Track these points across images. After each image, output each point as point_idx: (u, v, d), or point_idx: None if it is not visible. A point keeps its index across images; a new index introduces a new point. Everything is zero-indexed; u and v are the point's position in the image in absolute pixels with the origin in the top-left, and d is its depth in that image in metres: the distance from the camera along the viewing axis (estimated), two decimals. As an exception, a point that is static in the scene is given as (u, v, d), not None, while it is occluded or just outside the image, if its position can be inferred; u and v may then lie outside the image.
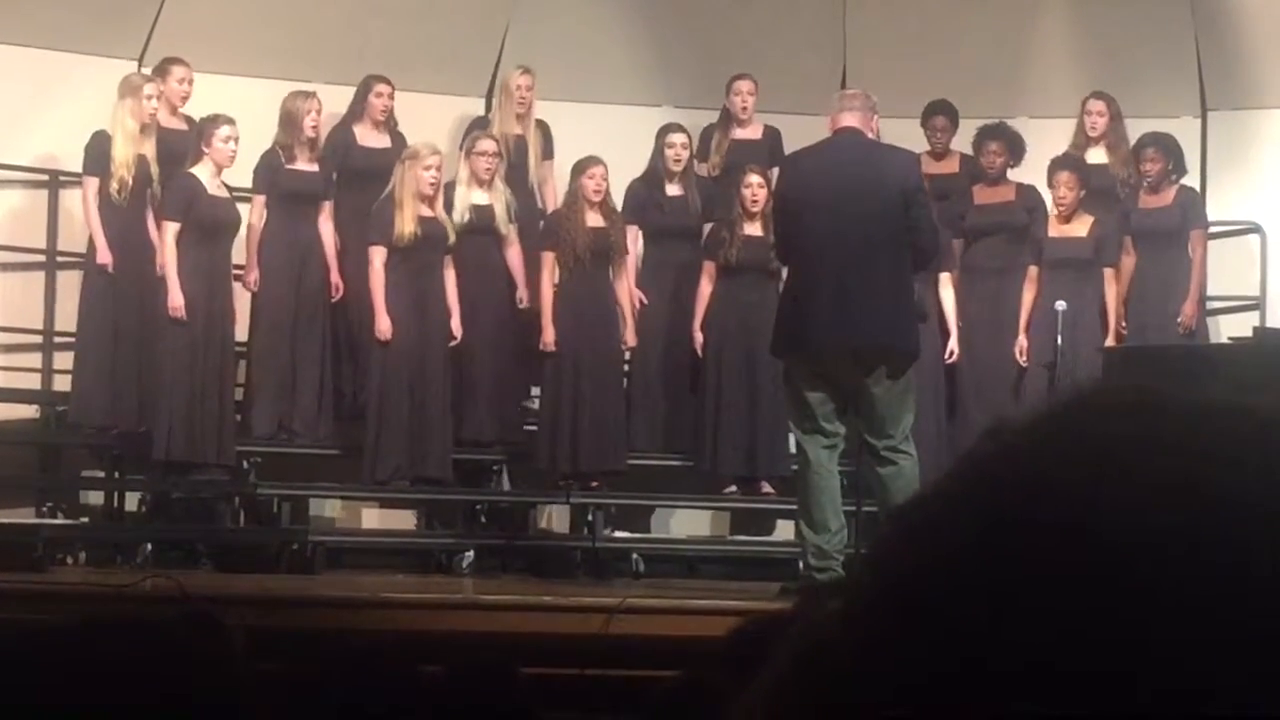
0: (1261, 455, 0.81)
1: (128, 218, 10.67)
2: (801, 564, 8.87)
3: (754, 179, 10.99)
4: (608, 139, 11.44)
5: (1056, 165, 11.25)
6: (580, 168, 11.04)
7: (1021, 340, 11.21)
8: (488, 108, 11.93)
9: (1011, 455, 0.83)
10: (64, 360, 11.07)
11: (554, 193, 11.54)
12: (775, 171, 10.46)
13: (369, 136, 11.38)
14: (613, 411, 11.07)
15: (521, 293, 11.13)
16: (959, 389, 11.36)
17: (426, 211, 10.81)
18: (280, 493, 10.86)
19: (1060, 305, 10.44)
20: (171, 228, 10.54)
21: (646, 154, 11.55)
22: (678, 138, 11.47)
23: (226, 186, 10.74)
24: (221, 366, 10.70)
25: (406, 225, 10.72)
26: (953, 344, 11.19)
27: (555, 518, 11.61)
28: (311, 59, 11.68)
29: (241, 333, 10.96)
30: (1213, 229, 11.63)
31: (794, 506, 9.16)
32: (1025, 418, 0.85)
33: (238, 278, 10.91)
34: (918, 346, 8.75)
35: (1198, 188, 11.80)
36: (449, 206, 10.97)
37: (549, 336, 10.98)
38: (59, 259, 11.35)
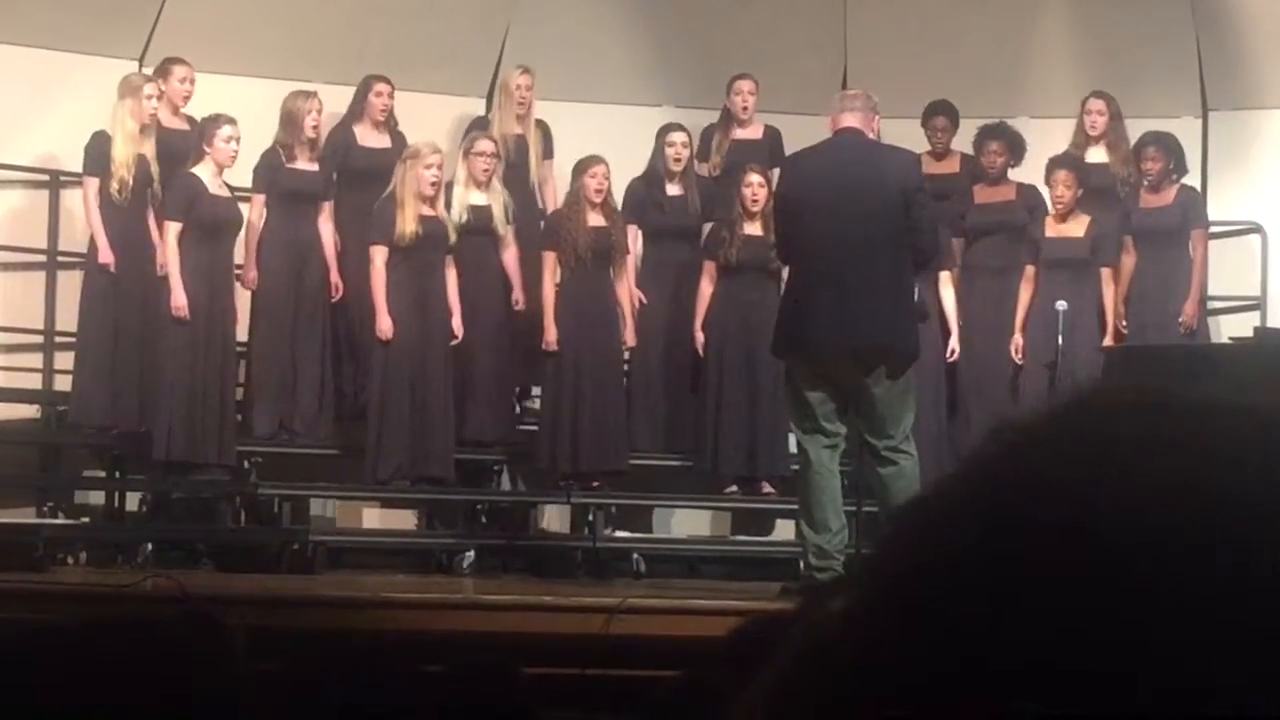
0: (1262, 455, 0.81)
1: (128, 218, 10.67)
2: (802, 564, 8.87)
3: (754, 178, 10.99)
4: (608, 139, 11.44)
5: (1054, 164, 11.25)
6: (582, 167, 11.04)
7: (1018, 339, 11.21)
8: (488, 107, 11.92)
9: (1014, 455, 0.83)
10: (64, 360, 11.07)
11: (554, 193, 11.54)
12: (776, 171, 10.46)
13: (369, 136, 11.39)
14: (613, 411, 11.07)
15: (517, 294, 11.13)
16: (959, 388, 11.37)
17: (427, 211, 10.81)
18: (281, 493, 10.86)
19: (1061, 305, 10.44)
20: (173, 227, 10.54)
21: (647, 154, 11.55)
22: (678, 136, 11.47)
23: (228, 186, 10.74)
24: (223, 366, 10.70)
25: (408, 224, 10.72)
26: (953, 343, 11.19)
27: (556, 518, 11.61)
28: (312, 59, 11.68)
29: (241, 332, 10.96)
30: (1214, 229, 11.63)
31: (794, 506, 9.16)
32: (1028, 417, 0.85)
33: (239, 277, 10.91)
34: (918, 346, 8.76)
35: (1199, 188, 11.80)
36: (448, 206, 10.97)
37: (551, 336, 10.98)
38: (59, 259, 11.35)
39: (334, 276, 11.07)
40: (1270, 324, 11.30)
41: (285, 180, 10.95)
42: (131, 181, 10.60)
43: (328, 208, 11.10)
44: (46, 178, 11.40)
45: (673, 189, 11.49)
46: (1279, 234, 11.97)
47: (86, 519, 11.09)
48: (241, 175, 10.89)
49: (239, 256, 10.92)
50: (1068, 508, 0.79)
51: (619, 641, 7.31)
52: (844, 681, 0.80)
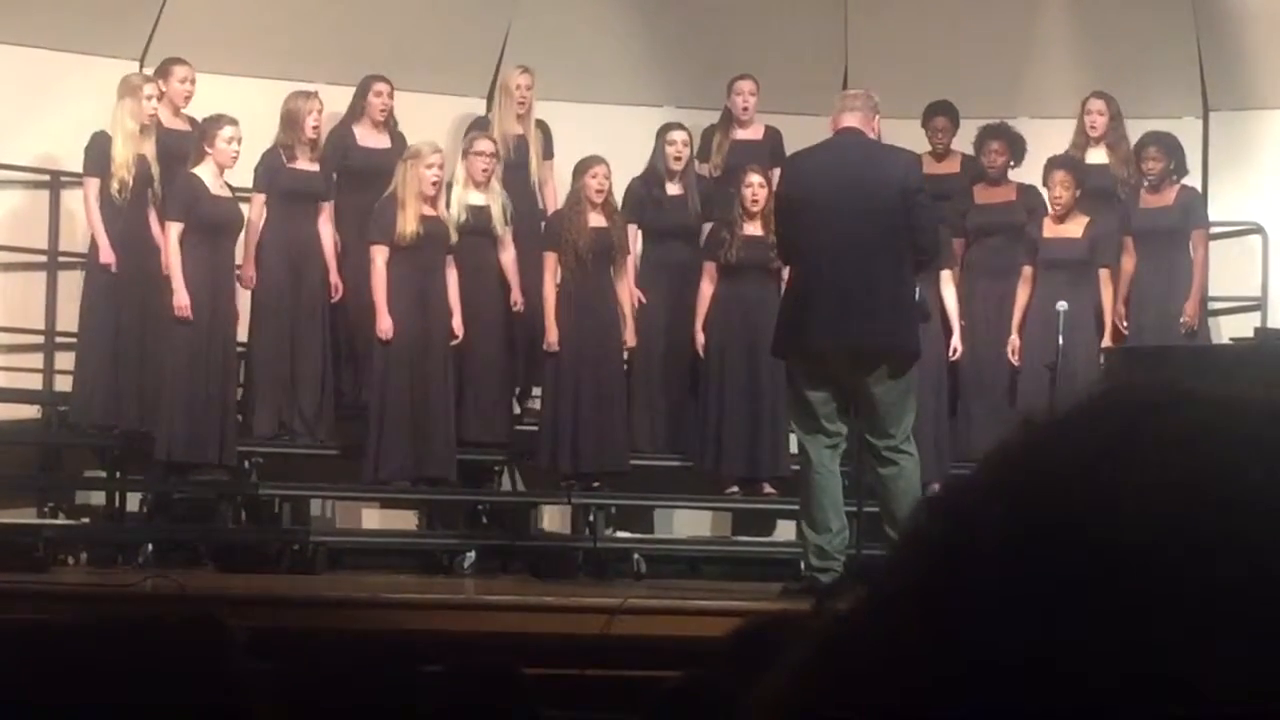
0: None
1: (129, 218, 10.67)
2: (803, 564, 8.86)
3: (755, 178, 10.99)
4: (609, 139, 11.44)
5: (1052, 165, 11.25)
6: (583, 168, 11.04)
7: (1014, 340, 11.21)
8: (488, 108, 11.92)
9: (1040, 451, 0.82)
10: (65, 360, 11.07)
11: (554, 193, 11.54)
12: (776, 172, 10.46)
13: (369, 136, 11.39)
14: (614, 412, 11.07)
15: (515, 295, 11.13)
16: (961, 388, 11.37)
17: (429, 211, 10.81)
18: (281, 493, 10.86)
19: (1062, 305, 10.44)
20: (175, 228, 10.55)
21: (647, 154, 11.55)
22: (678, 135, 11.47)
23: (229, 187, 10.75)
24: (224, 366, 10.70)
25: (409, 225, 10.72)
26: (955, 341, 11.18)
27: (556, 518, 11.61)
28: (312, 59, 11.68)
29: (241, 333, 10.96)
30: (1214, 229, 11.63)
31: (795, 507, 9.15)
32: (1053, 413, 0.84)
33: (239, 277, 10.91)
34: (918, 346, 8.75)
35: (1199, 188, 11.80)
36: (448, 206, 10.97)
37: (552, 336, 10.98)
38: (60, 259, 11.35)
39: (333, 277, 11.07)
40: (1271, 325, 11.30)
41: (286, 180, 10.96)
42: (132, 182, 10.60)
43: (328, 208, 11.10)
44: (47, 178, 11.40)
45: (673, 188, 11.49)
46: (1279, 235, 11.97)
47: (87, 519, 11.09)
48: (242, 175, 10.90)
49: (240, 257, 10.92)
50: (1093, 505, 0.79)
51: (619, 642, 7.31)
52: (864, 676, 0.80)
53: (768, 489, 11.14)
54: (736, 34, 12.37)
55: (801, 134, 10.41)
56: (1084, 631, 0.76)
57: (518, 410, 11.60)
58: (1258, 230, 11.95)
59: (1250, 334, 10.26)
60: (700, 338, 11.21)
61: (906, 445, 8.63)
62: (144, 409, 10.69)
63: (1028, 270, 11.23)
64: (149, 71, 11.11)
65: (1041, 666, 0.76)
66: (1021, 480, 0.82)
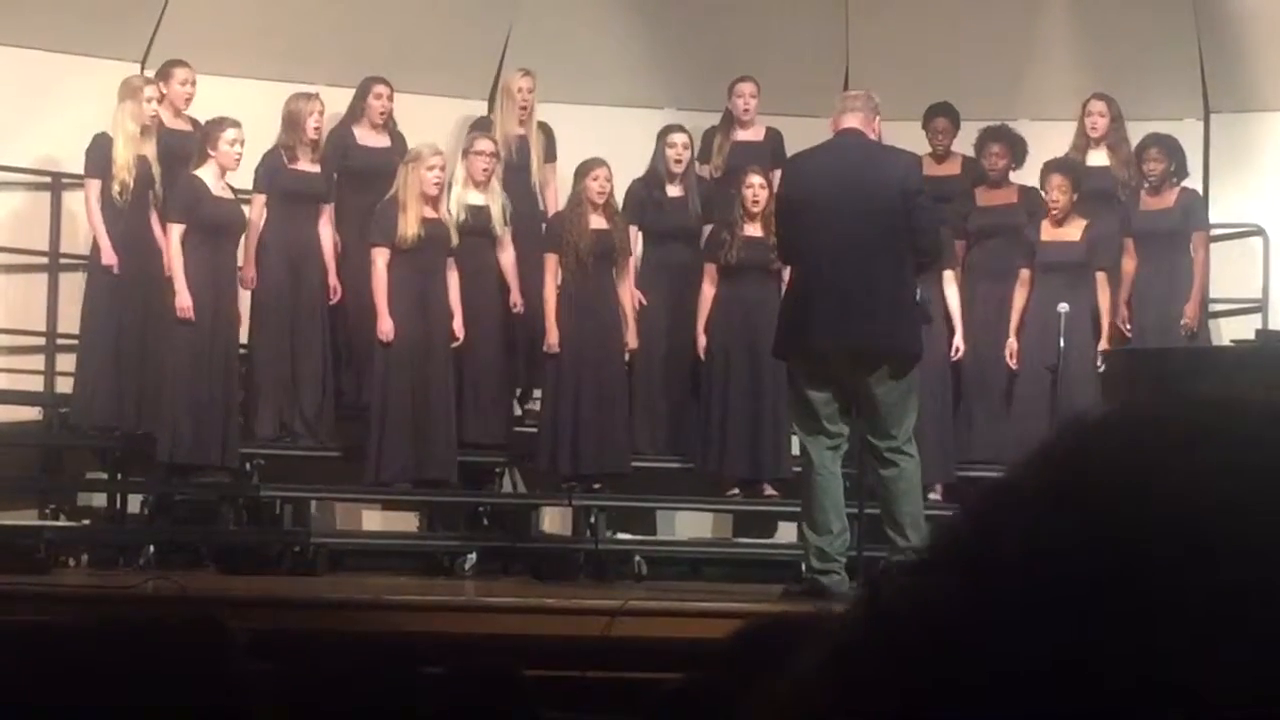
0: None
1: (130, 219, 10.68)
2: (804, 566, 8.86)
3: (755, 179, 10.99)
4: (609, 141, 11.44)
5: (1049, 168, 11.24)
6: (584, 170, 11.05)
7: (1012, 343, 11.20)
8: (490, 110, 11.92)
9: (1085, 455, 0.82)
10: (66, 362, 11.07)
11: (556, 195, 11.54)
12: (777, 173, 10.46)
13: (368, 136, 11.39)
14: (615, 413, 11.07)
15: (515, 297, 11.13)
16: (962, 389, 11.36)
17: (430, 213, 10.81)
18: (283, 495, 10.86)
19: (1063, 308, 10.44)
20: (177, 229, 10.55)
21: (648, 156, 11.55)
22: (679, 138, 11.48)
23: (231, 188, 10.75)
24: (226, 368, 10.71)
25: (410, 227, 10.72)
26: (958, 341, 11.18)
27: (557, 520, 11.61)
28: (313, 61, 11.68)
29: (242, 334, 10.96)
30: (1215, 231, 11.63)
31: (797, 509, 9.15)
32: (1102, 413, 0.84)
33: (240, 278, 10.92)
34: (919, 348, 8.75)
35: (1200, 190, 11.80)
36: (448, 206, 10.97)
37: (552, 338, 10.98)
38: (61, 261, 11.35)
39: (332, 280, 11.07)
40: (1272, 326, 11.29)
41: (286, 182, 10.96)
42: (133, 183, 10.60)
43: (328, 210, 11.10)
44: (48, 179, 11.40)
45: (673, 190, 11.49)
46: (1280, 236, 11.98)
47: (88, 521, 11.09)
48: (243, 177, 10.90)
49: (241, 258, 10.93)
50: (1096, 512, 0.79)
51: (620, 644, 7.31)
52: (883, 679, 0.80)
53: (768, 490, 11.14)
54: (737, 36, 12.37)
55: (802, 135, 10.41)
56: (1086, 638, 0.76)
57: (518, 412, 11.61)
58: (1258, 232, 11.95)
59: (1251, 336, 10.26)
60: (702, 339, 11.21)
61: (908, 447, 8.63)
62: (145, 411, 10.69)
63: (1025, 273, 11.23)
64: (150, 73, 11.12)
65: (1044, 672, 0.76)
66: (1042, 489, 0.82)
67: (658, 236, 11.54)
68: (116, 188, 10.59)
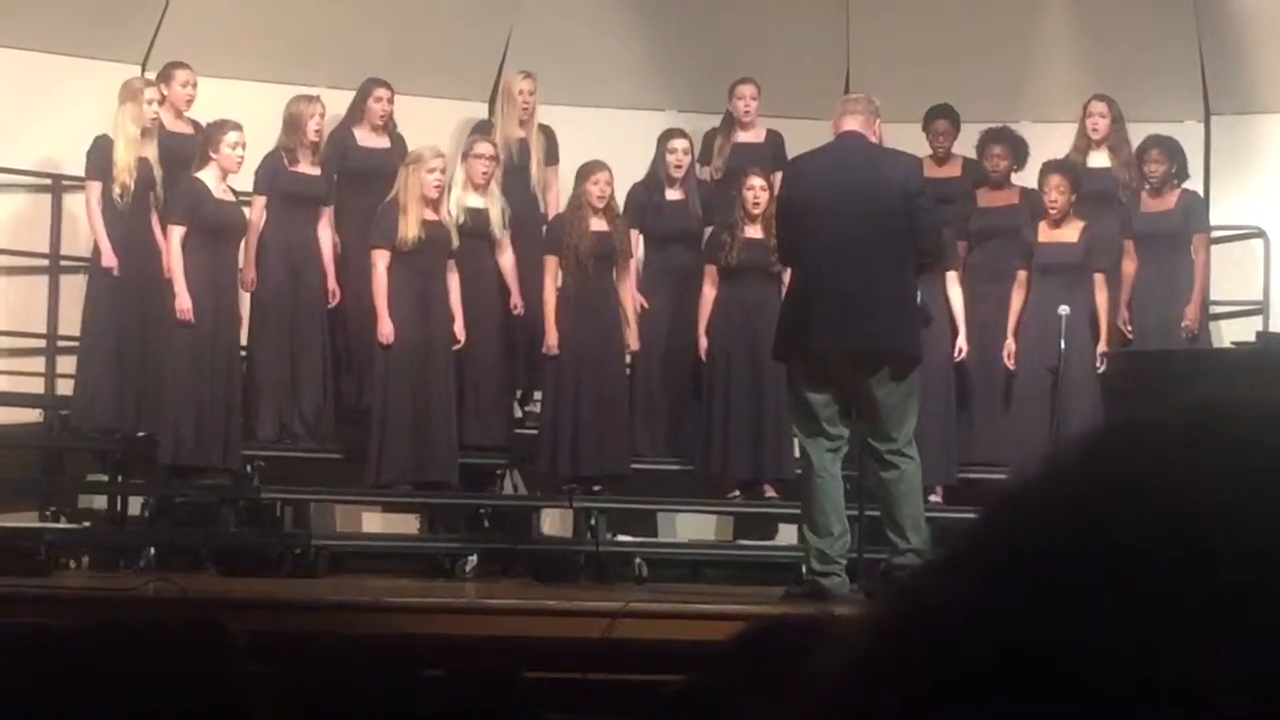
0: None
1: (130, 222, 10.68)
2: (805, 568, 8.86)
3: (755, 181, 11.00)
4: (610, 143, 11.44)
5: (1047, 169, 11.24)
6: (584, 173, 11.05)
7: (1010, 344, 11.20)
8: (490, 112, 11.92)
9: (1088, 458, 0.82)
10: (67, 364, 11.07)
11: (558, 197, 11.54)
12: (778, 175, 10.47)
13: (369, 137, 11.39)
14: (615, 415, 11.07)
15: (515, 299, 11.13)
16: (963, 390, 11.36)
17: (430, 215, 10.81)
18: (283, 497, 10.86)
19: (1064, 310, 10.43)
20: (177, 231, 10.56)
21: (649, 158, 11.55)
22: (679, 143, 11.48)
23: (232, 190, 10.76)
24: (228, 370, 10.71)
25: (410, 229, 10.73)
26: (961, 341, 11.17)
27: (558, 522, 11.61)
28: (313, 63, 11.68)
29: (242, 335, 10.96)
30: (1216, 233, 11.63)
31: (797, 511, 9.15)
32: (1153, 416, 0.84)
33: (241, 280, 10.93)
34: (920, 350, 8.75)
35: (1201, 192, 11.80)
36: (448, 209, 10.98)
37: (551, 340, 10.99)
38: (62, 263, 11.35)
39: (330, 283, 11.06)
40: (1273, 328, 11.29)
41: (286, 184, 10.96)
42: (133, 185, 10.61)
43: (328, 213, 11.10)
44: (49, 181, 11.40)
45: (674, 194, 11.49)
46: (1281, 238, 11.98)
47: (89, 523, 11.09)
48: (243, 179, 10.90)
49: (242, 260, 10.93)
50: (1142, 508, 0.79)
51: (621, 646, 7.31)
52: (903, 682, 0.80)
53: (769, 492, 11.14)
54: (738, 37, 12.37)
55: (803, 137, 10.42)
56: (1087, 638, 0.76)
57: (519, 414, 11.61)
58: (1259, 234, 11.95)
59: (1252, 338, 10.26)
60: (703, 341, 11.21)
61: (908, 449, 8.63)
62: (146, 413, 10.69)
63: (1022, 274, 11.22)
64: (151, 75, 11.12)
65: (1045, 673, 0.77)
66: (1047, 493, 0.82)
67: (659, 240, 11.54)
68: (117, 190, 10.59)
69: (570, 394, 10.99)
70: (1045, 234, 11.19)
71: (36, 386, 11.34)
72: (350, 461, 10.96)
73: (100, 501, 11.25)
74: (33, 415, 11.42)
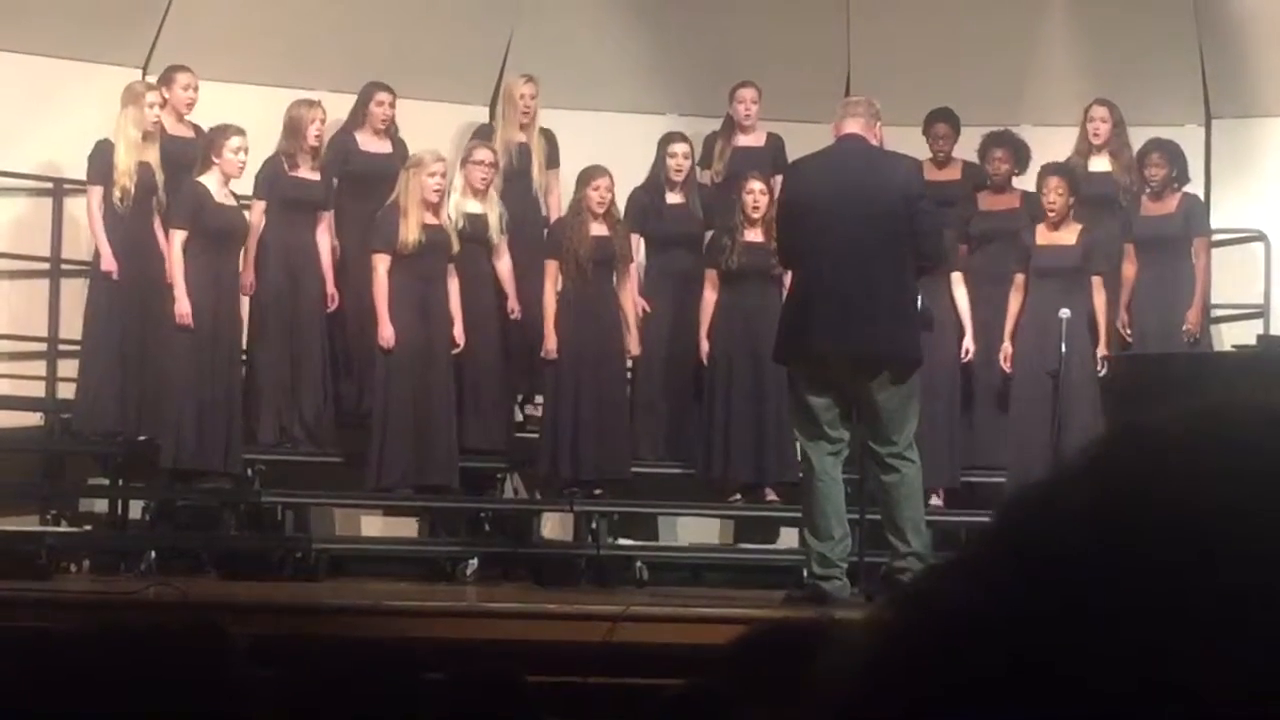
0: None
1: (132, 225, 10.68)
2: (805, 572, 8.86)
3: (756, 185, 11.01)
4: (611, 147, 11.45)
5: (1046, 172, 11.24)
6: (585, 178, 11.05)
7: (1007, 347, 11.19)
8: (491, 115, 11.93)
9: (1092, 463, 0.82)
10: (68, 368, 11.07)
11: (559, 201, 11.54)
12: (778, 179, 10.48)
13: (370, 142, 11.40)
14: (615, 419, 11.07)
15: (512, 304, 11.14)
16: (966, 393, 11.36)
17: (431, 219, 10.82)
18: (284, 500, 10.86)
19: (1065, 313, 10.44)
20: (178, 235, 10.56)
21: (650, 161, 11.56)
22: (679, 148, 11.48)
23: (234, 195, 10.76)
24: (229, 374, 10.72)
25: (411, 233, 10.73)
26: (968, 342, 11.16)
27: (559, 526, 11.61)
28: (315, 67, 11.68)
29: (243, 339, 10.97)
30: (1217, 237, 11.64)
31: (798, 514, 9.15)
32: (1154, 421, 0.84)
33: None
34: (919, 353, 8.75)
35: (1202, 196, 11.80)
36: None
37: (550, 344, 10.99)
38: (63, 266, 11.35)
39: (329, 287, 11.06)
40: (1274, 332, 11.30)
41: (286, 188, 10.97)
42: (135, 189, 10.61)
43: (327, 218, 11.11)
44: (50, 185, 11.41)
45: (674, 198, 11.50)
46: (1282, 242, 11.98)
47: (90, 527, 11.09)
48: (244, 183, 10.90)
49: (242, 264, 10.93)
50: (1143, 511, 0.79)
51: (622, 649, 7.31)
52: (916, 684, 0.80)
53: (770, 495, 11.15)
54: (739, 41, 12.37)
55: (803, 141, 10.42)
56: (1088, 639, 0.77)
57: (519, 417, 11.61)
58: (1260, 238, 11.95)
59: (1253, 341, 10.26)
60: (705, 345, 11.21)
61: (909, 452, 8.63)
62: (147, 416, 10.69)
63: (1019, 278, 11.22)
64: (152, 79, 11.12)
65: (1047, 673, 0.77)
66: (1052, 498, 0.82)
67: (660, 244, 11.55)
68: (118, 194, 10.59)
69: (570, 397, 10.99)
70: (1043, 237, 11.19)
71: (37, 390, 11.34)
72: (351, 465, 10.96)
73: (101, 505, 11.25)
74: (34, 419, 11.43)
